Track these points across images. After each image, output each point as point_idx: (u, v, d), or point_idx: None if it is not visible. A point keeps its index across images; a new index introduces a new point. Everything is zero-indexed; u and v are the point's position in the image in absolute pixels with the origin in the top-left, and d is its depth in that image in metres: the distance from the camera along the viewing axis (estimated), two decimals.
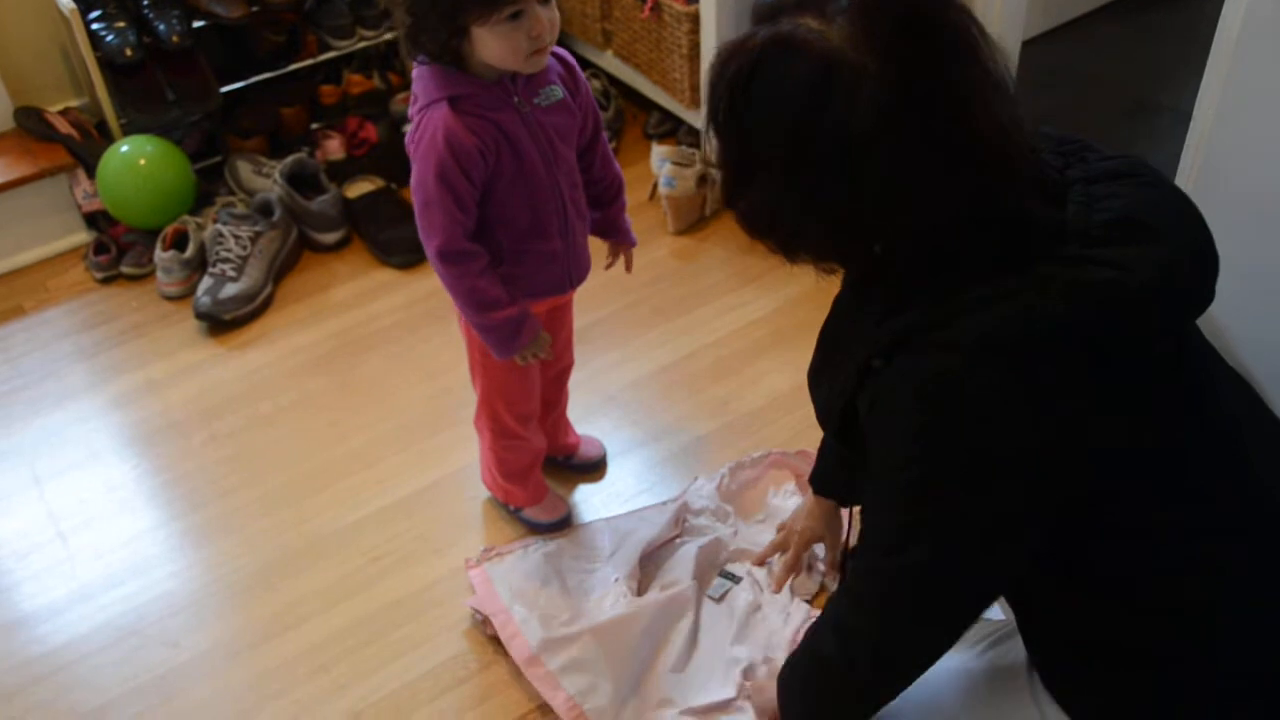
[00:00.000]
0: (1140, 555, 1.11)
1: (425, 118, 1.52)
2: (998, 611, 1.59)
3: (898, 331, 1.07)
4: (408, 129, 1.59)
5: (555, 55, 1.60)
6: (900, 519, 1.12)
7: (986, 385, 1.03)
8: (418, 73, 1.55)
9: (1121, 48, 3.19)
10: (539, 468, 1.98)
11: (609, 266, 1.86)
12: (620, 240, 1.83)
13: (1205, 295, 1.11)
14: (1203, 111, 1.87)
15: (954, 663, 1.40)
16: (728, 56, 1.07)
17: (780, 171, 1.05)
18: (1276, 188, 1.77)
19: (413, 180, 1.57)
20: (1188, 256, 1.07)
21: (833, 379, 1.20)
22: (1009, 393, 1.03)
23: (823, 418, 1.29)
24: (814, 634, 1.30)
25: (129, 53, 2.54)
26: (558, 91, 1.60)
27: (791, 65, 1.02)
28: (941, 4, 1.02)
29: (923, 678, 1.37)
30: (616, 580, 1.80)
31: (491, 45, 1.46)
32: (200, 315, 2.44)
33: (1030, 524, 1.09)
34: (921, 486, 1.09)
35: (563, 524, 1.97)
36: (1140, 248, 1.04)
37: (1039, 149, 1.15)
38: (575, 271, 1.74)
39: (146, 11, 2.59)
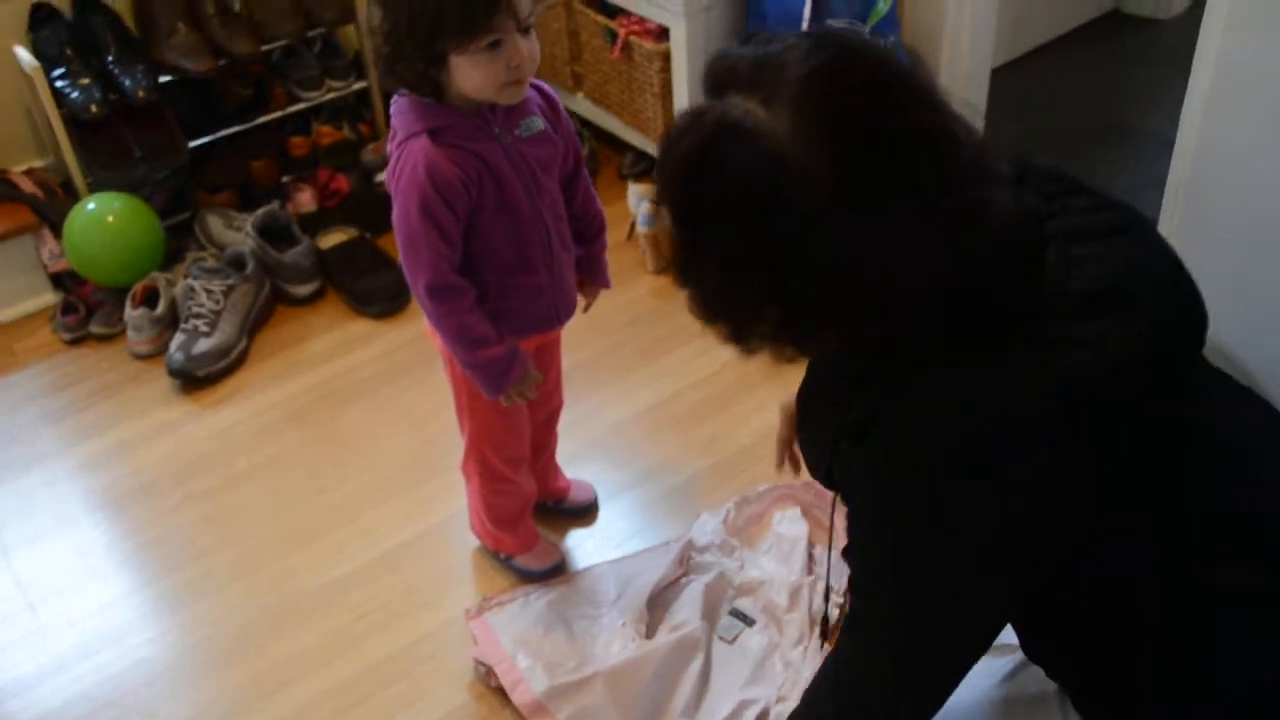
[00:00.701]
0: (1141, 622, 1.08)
1: (405, 151, 1.49)
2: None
3: (862, 417, 1.04)
4: (384, 171, 1.56)
5: (535, 87, 1.58)
6: (874, 604, 1.09)
7: (955, 486, 0.99)
8: (396, 107, 1.52)
9: (1090, 71, 3.21)
10: (530, 513, 1.93)
11: (586, 309, 1.82)
12: (596, 281, 1.79)
13: (1193, 353, 1.08)
14: (1187, 127, 1.86)
15: (975, 694, 1.34)
16: (678, 134, 1.01)
17: (731, 260, 1.00)
18: (1265, 200, 1.76)
19: (395, 216, 1.53)
20: (1171, 322, 1.03)
21: (813, 440, 1.18)
22: (978, 492, 0.99)
23: (811, 472, 1.26)
24: (813, 694, 1.25)
25: (94, 109, 2.49)
26: (538, 123, 1.57)
27: (739, 155, 0.95)
28: (890, 108, 0.95)
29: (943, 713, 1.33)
30: (623, 625, 1.75)
31: (470, 75, 1.43)
32: (173, 372, 2.37)
33: (1003, 609, 1.08)
34: (890, 578, 1.06)
35: (555, 571, 1.91)
36: (1118, 322, 0.99)
37: (1025, 185, 1.09)
38: (562, 306, 1.70)
39: (112, 67, 2.55)
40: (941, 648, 1.09)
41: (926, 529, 1.01)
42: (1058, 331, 0.99)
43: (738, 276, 1.00)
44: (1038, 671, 1.28)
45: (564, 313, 1.71)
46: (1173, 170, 1.90)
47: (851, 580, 1.13)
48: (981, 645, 1.10)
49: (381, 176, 2.69)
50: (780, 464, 1.51)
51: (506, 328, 1.62)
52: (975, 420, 0.98)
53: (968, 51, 2.67)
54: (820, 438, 1.12)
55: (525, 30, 1.43)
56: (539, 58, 1.47)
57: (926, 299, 0.99)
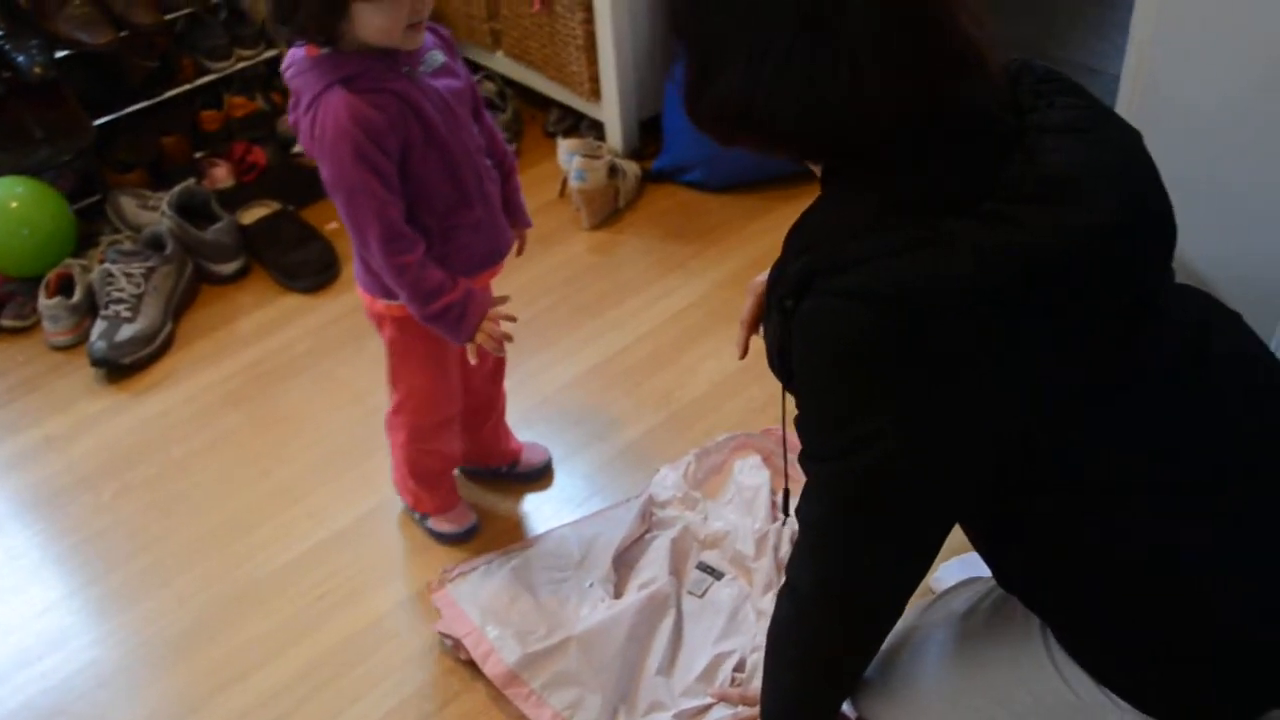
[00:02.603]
0: (1094, 515, 1.10)
1: (320, 107, 1.43)
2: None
3: (803, 271, 1.05)
4: (296, 136, 1.49)
5: (428, 28, 1.53)
6: (818, 465, 1.12)
7: (886, 338, 1.01)
8: (295, 68, 1.46)
9: (1010, 3, 3.20)
10: (451, 475, 1.89)
11: (520, 252, 1.77)
12: (519, 222, 1.75)
13: (1151, 260, 1.09)
14: (1131, 65, 1.85)
15: (951, 632, 1.34)
16: None
17: (748, 51, 1.02)
18: (1215, 104, 1.77)
19: (328, 177, 1.46)
20: (1119, 222, 1.03)
21: (769, 319, 1.16)
22: (897, 351, 1.01)
23: (769, 360, 1.24)
24: (776, 600, 1.27)
25: None
26: (439, 56, 1.54)
27: None
28: None
29: (919, 649, 1.32)
30: (591, 585, 1.71)
31: (374, 19, 1.39)
32: (96, 362, 2.27)
33: (942, 474, 1.09)
34: (835, 417, 1.07)
35: (468, 535, 1.88)
36: (1059, 210, 1.01)
37: (1020, 80, 1.12)
38: (501, 241, 1.66)
39: (2, 43, 2.41)
40: (886, 512, 1.10)
41: (856, 382, 1.04)
42: (1004, 209, 1.01)
43: (756, 62, 1.02)
44: (1017, 604, 1.27)
45: (504, 248, 1.68)
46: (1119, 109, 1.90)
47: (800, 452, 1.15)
48: (926, 509, 1.11)
49: (299, 148, 2.59)
50: (741, 347, 1.48)
51: (453, 269, 1.58)
52: (897, 280, 1.00)
53: None
54: (771, 314, 1.12)
55: None
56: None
57: (920, 114, 1.02)
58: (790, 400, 1.17)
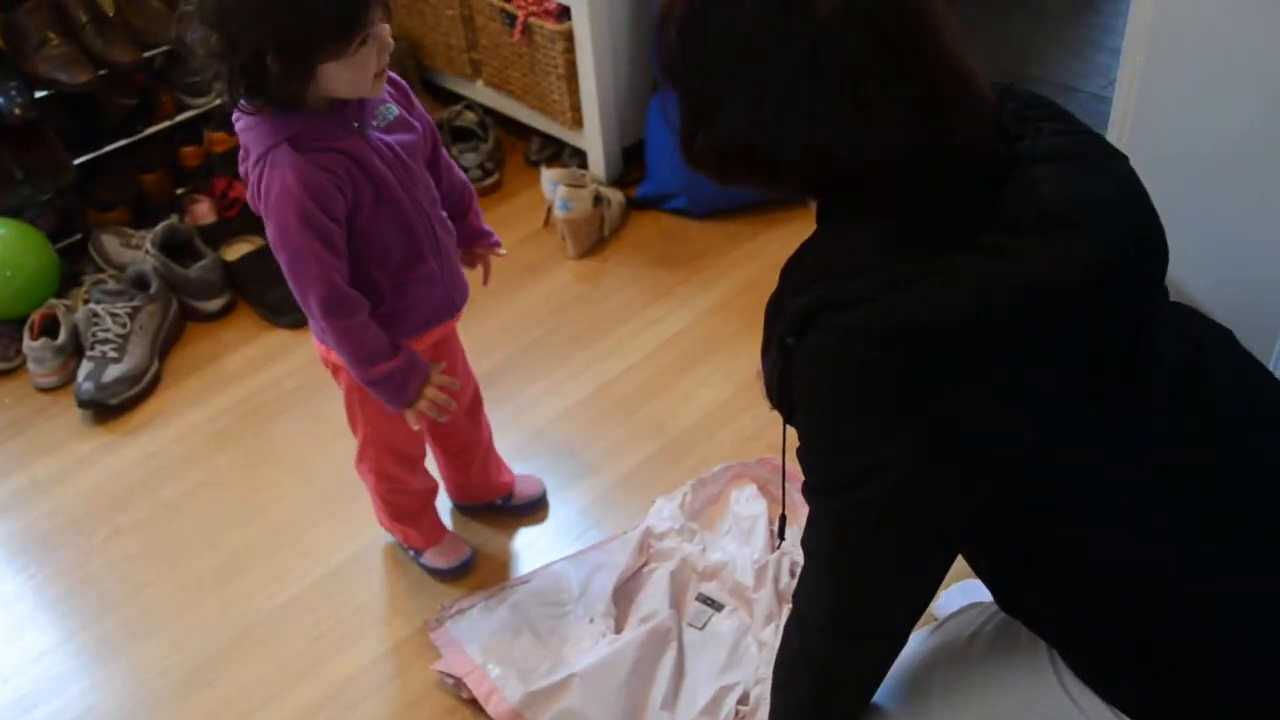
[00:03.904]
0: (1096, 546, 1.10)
1: (267, 166, 1.41)
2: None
3: (805, 308, 1.05)
4: (246, 186, 1.48)
5: None
6: (822, 499, 1.13)
7: (890, 373, 1.02)
8: (243, 123, 1.44)
9: (985, 26, 3.24)
10: (432, 508, 1.89)
11: (486, 282, 1.78)
12: (486, 244, 1.75)
13: (1146, 285, 1.10)
14: (1124, 89, 1.87)
15: (955, 658, 1.35)
16: (670, 2, 1.06)
17: (747, 91, 1.03)
18: (1205, 141, 1.79)
19: (272, 236, 1.45)
20: (1117, 252, 1.05)
21: (769, 352, 1.17)
22: (908, 386, 1.02)
23: (766, 391, 1.24)
24: (783, 630, 1.28)
25: None
26: (393, 109, 1.53)
27: None
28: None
29: (925, 677, 1.32)
30: (592, 621, 1.71)
31: (342, 77, 1.38)
32: (83, 403, 2.25)
33: (944, 509, 1.09)
34: (840, 450, 1.08)
35: (463, 569, 1.88)
36: (1057, 243, 1.02)
37: (1005, 106, 1.13)
38: (456, 293, 1.66)
39: None
40: (892, 542, 1.10)
41: (861, 417, 1.05)
42: (1002, 243, 1.02)
43: (755, 103, 1.03)
44: (1021, 627, 1.28)
45: (459, 299, 1.67)
46: (1110, 134, 1.93)
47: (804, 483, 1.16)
48: (932, 538, 1.12)
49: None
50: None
51: (406, 325, 1.58)
52: (900, 317, 1.01)
53: None
54: (772, 347, 1.12)
55: (386, 18, 1.40)
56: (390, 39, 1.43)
57: (883, 172, 1.04)
58: (790, 431, 1.18)
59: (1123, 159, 1.13)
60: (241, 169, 1.48)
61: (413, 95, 1.58)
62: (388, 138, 1.50)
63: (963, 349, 1.01)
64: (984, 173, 1.07)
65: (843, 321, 1.03)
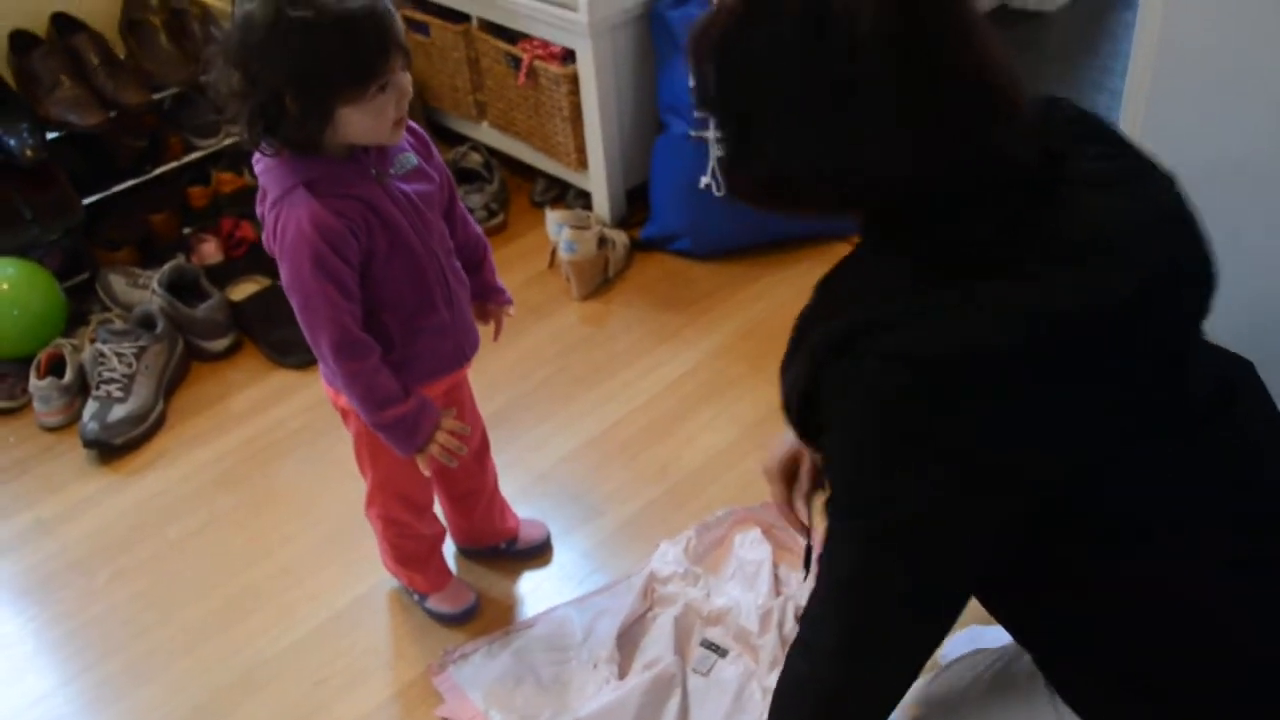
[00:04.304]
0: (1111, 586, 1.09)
1: (284, 209, 1.43)
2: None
3: (843, 330, 1.04)
4: (262, 227, 1.49)
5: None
6: (844, 525, 1.10)
7: (924, 399, 1.01)
8: (263, 165, 1.45)
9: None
10: (439, 553, 1.89)
11: (497, 337, 1.78)
12: (498, 300, 1.76)
13: (1188, 315, 1.09)
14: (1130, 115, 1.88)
15: (955, 704, 1.34)
16: (704, 29, 1.05)
17: (787, 116, 1.02)
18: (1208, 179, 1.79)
19: (285, 279, 1.46)
20: (1154, 285, 1.03)
21: (795, 366, 1.15)
22: (942, 414, 1.01)
23: (784, 405, 1.22)
24: (786, 657, 1.24)
25: None
26: (412, 158, 1.54)
27: (778, 11, 0.99)
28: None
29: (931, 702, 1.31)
30: (596, 666, 1.70)
31: (360, 122, 1.39)
32: (89, 443, 2.26)
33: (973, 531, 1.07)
34: (870, 473, 1.06)
35: (469, 614, 1.87)
36: (1095, 274, 1.01)
37: (1050, 120, 1.11)
38: (466, 343, 1.66)
39: None
40: (916, 569, 1.08)
41: (893, 441, 1.03)
42: (1042, 272, 1.01)
43: (795, 135, 1.02)
44: (1026, 662, 1.27)
45: (469, 349, 1.67)
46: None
47: (826, 504, 1.13)
48: (957, 565, 1.10)
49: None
50: (797, 526, 1.46)
51: (417, 373, 1.58)
52: (935, 344, 1.00)
53: None
54: (799, 361, 1.10)
55: (405, 66, 1.41)
56: (411, 88, 1.44)
57: (914, 194, 1.03)
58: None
59: (1170, 181, 1.11)
60: (259, 210, 1.49)
61: (432, 145, 1.59)
62: (405, 186, 1.50)
63: (998, 378, 1.00)
64: (1020, 197, 1.05)
65: (881, 346, 1.01)
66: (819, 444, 1.15)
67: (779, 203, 1.10)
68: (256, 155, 1.46)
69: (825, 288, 1.15)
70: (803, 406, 1.12)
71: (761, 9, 1.01)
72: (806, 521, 1.45)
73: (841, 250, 1.16)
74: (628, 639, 1.77)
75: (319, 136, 1.40)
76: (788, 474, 1.45)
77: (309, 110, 1.36)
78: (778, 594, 1.80)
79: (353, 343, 1.48)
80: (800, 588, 1.81)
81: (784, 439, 1.44)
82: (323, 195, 1.42)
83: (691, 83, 1.10)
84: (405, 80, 1.41)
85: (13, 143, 2.40)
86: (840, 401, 1.06)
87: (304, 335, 1.50)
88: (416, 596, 1.90)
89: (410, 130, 1.54)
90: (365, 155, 1.46)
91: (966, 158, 1.02)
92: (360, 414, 1.56)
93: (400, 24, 1.40)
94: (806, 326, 1.14)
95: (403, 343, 1.56)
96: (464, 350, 1.66)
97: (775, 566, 1.85)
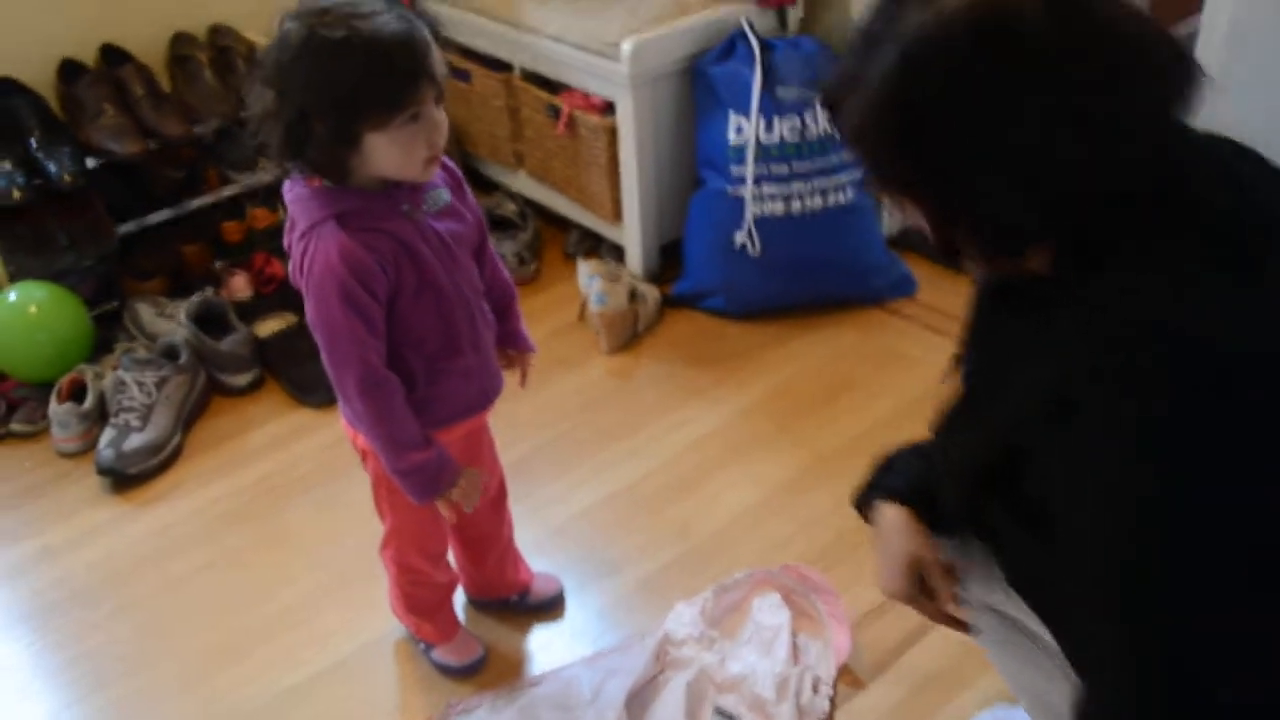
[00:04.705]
0: None
1: (312, 241, 1.39)
2: None
3: (1058, 380, 0.94)
4: (289, 257, 1.45)
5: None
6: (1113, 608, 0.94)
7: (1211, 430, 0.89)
8: (293, 194, 1.43)
9: None
10: (450, 603, 1.84)
11: (524, 383, 1.74)
12: (522, 348, 1.72)
13: None
14: None
15: None
16: (869, 109, 0.97)
17: (1000, 166, 0.94)
18: None
19: (311, 313, 1.42)
20: None
21: (976, 430, 1.05)
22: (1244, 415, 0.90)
23: (958, 471, 1.11)
24: None
25: (16, 195, 2.37)
26: (444, 195, 1.50)
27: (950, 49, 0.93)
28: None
29: None
30: None
31: (388, 153, 1.36)
32: (103, 470, 2.23)
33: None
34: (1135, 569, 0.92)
35: (475, 668, 1.81)
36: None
37: (1216, 158, 1.03)
38: (490, 387, 1.62)
39: (35, 151, 2.43)
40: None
41: (1180, 496, 0.90)
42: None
43: (1006, 166, 0.94)
44: None
45: (492, 393, 1.63)
46: None
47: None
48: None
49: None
50: (962, 627, 1.33)
51: (439, 415, 1.54)
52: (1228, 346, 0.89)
53: None
54: (991, 424, 1.00)
55: (438, 101, 1.38)
56: (447, 128, 1.41)
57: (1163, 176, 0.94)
58: None
59: None
60: (286, 241, 1.46)
61: (465, 184, 1.57)
62: (437, 224, 1.47)
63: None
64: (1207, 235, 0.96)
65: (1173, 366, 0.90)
66: (1007, 527, 1.05)
67: (1007, 251, 1.01)
68: (288, 185, 1.43)
69: (996, 335, 1.06)
70: (1004, 463, 1.01)
71: (930, 57, 0.94)
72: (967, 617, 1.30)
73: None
74: (637, 703, 1.70)
75: (346, 163, 1.37)
76: (918, 586, 1.28)
77: (336, 133, 1.33)
78: (795, 662, 1.73)
79: (378, 381, 1.45)
80: (819, 658, 1.74)
81: (887, 550, 1.27)
82: (352, 228, 1.39)
83: (864, 174, 1.03)
84: (439, 116, 1.38)
85: (52, 168, 2.41)
86: (1093, 459, 0.93)
87: (327, 372, 1.46)
88: (423, 646, 1.84)
89: (444, 167, 1.51)
90: (398, 190, 1.43)
91: (1176, 147, 0.96)
92: (380, 456, 1.52)
93: (438, 57, 1.37)
94: (993, 381, 1.04)
95: (426, 382, 1.52)
96: (488, 394, 1.62)
97: (794, 634, 1.78)
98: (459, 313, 1.51)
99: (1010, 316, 1.09)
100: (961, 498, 1.09)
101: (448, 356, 1.52)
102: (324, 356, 1.45)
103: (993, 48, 0.92)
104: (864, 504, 1.32)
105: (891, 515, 1.26)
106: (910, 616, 1.81)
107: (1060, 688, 1.17)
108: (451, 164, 1.54)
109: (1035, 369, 0.99)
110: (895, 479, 1.30)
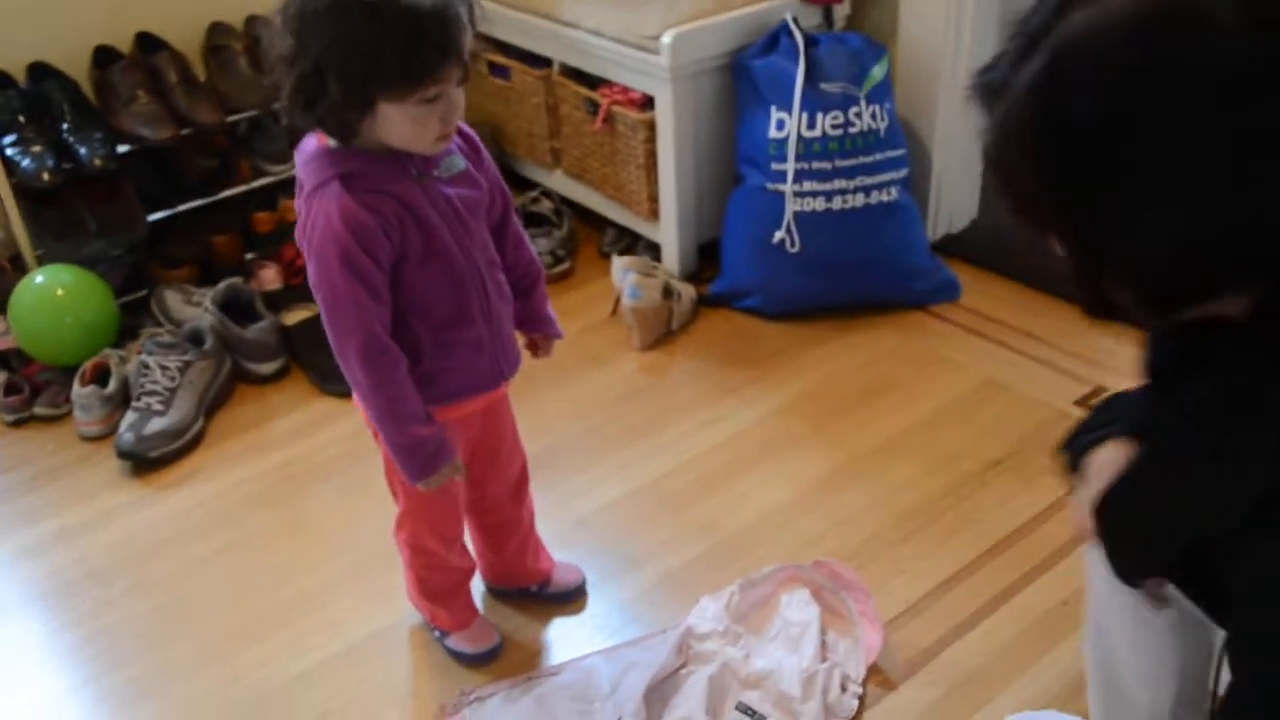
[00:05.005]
0: None
1: (316, 202, 1.36)
2: None
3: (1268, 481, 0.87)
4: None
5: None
6: None
7: None
8: (303, 155, 1.39)
9: None
10: (466, 589, 1.78)
11: (537, 355, 1.69)
12: (547, 331, 1.67)
13: None
14: None
15: None
16: (1028, 120, 0.84)
17: (1162, 180, 0.82)
18: None
19: (313, 276, 1.38)
20: None
21: (1186, 492, 0.97)
22: None
23: (1162, 545, 1.03)
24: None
25: (46, 178, 2.36)
26: (459, 161, 1.46)
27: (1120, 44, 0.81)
28: None
29: None
30: None
31: (400, 126, 1.32)
32: (122, 454, 2.19)
33: None
34: None
35: (490, 656, 1.75)
36: None
37: None
38: (504, 362, 1.57)
39: (67, 135, 2.43)
40: None
41: None
42: None
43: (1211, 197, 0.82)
44: None
45: (507, 369, 1.58)
46: None
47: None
48: None
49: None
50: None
51: (446, 389, 1.49)
52: None
53: (961, 129, 2.61)
54: (1181, 526, 0.96)
55: (461, 83, 1.33)
56: (463, 109, 1.37)
57: None
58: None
59: None
60: (296, 203, 1.43)
61: (483, 151, 1.52)
62: (449, 190, 1.43)
63: None
64: None
65: None
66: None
67: (1181, 297, 0.89)
68: (300, 145, 1.40)
69: (1190, 396, 0.96)
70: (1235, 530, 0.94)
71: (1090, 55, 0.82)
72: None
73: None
74: (657, 696, 1.64)
75: (356, 125, 1.33)
76: None
77: (349, 96, 1.29)
78: (824, 659, 1.65)
79: (381, 349, 1.40)
80: (848, 655, 1.66)
81: (1091, 488, 1.14)
82: (357, 190, 1.35)
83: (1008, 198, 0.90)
84: (457, 96, 1.34)
85: (83, 151, 2.40)
86: None
87: (328, 338, 1.42)
88: (438, 633, 1.79)
89: (461, 133, 1.47)
90: (409, 155, 1.39)
91: None
92: (379, 429, 1.47)
93: (469, 40, 1.32)
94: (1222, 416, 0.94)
95: (433, 354, 1.47)
96: (501, 369, 1.57)
97: (823, 631, 1.71)
98: (470, 281, 1.46)
99: (1204, 375, 0.97)
100: (1164, 566, 1.04)
101: (456, 326, 1.47)
102: (325, 321, 1.41)
103: (1175, 51, 0.80)
104: (1079, 447, 1.21)
105: (1109, 452, 1.14)
106: (945, 617, 1.76)
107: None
108: (468, 130, 1.50)
109: (1246, 452, 0.90)
110: (1118, 427, 1.18)
